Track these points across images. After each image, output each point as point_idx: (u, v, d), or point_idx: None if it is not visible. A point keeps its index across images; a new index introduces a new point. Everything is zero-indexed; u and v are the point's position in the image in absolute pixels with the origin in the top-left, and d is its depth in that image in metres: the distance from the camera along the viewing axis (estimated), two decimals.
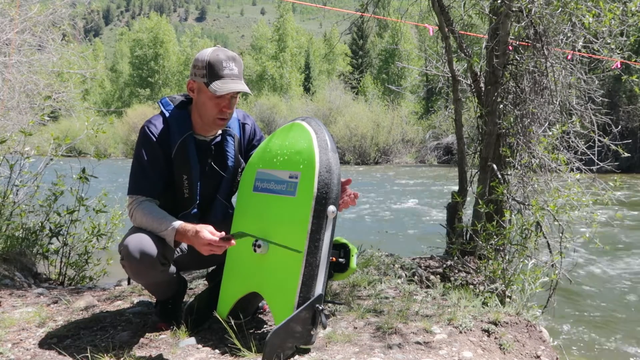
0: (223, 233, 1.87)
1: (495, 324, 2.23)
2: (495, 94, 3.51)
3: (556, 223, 3.39)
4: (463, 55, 3.74)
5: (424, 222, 9.15)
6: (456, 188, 3.79)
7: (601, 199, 3.24)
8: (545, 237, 3.41)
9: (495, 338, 2.12)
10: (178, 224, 1.94)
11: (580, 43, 3.39)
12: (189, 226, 1.90)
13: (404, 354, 1.89)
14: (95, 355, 1.87)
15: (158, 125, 2.10)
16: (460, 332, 2.11)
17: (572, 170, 3.44)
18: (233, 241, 1.84)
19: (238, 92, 2.07)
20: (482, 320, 2.26)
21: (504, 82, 3.55)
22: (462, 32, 4.02)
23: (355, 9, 4.73)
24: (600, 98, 3.88)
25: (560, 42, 3.48)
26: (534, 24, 3.31)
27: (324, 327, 1.92)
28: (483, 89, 3.66)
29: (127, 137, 37.09)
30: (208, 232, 1.85)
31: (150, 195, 2.07)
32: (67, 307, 2.60)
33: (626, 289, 5.17)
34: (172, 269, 2.09)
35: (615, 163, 4.08)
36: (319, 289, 1.90)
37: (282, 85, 49.42)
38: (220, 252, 1.89)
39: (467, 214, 3.84)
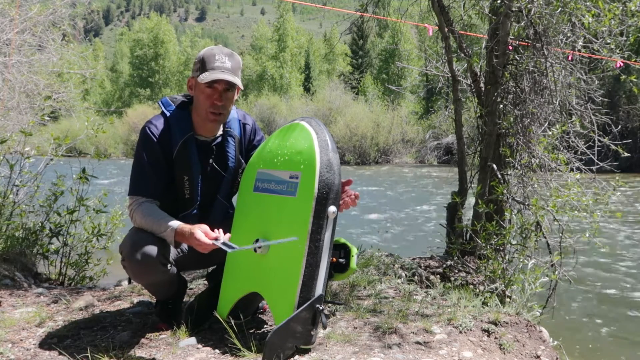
0: (220, 231, 1.87)
1: (495, 324, 2.23)
2: (495, 94, 3.51)
3: (556, 223, 3.39)
4: (463, 55, 3.74)
5: (424, 222, 9.15)
6: (456, 188, 3.79)
7: (601, 198, 3.24)
8: (545, 237, 3.41)
9: (495, 338, 2.12)
10: (177, 224, 1.94)
11: (580, 43, 3.39)
12: (186, 227, 1.91)
13: (403, 353, 1.89)
14: (95, 355, 1.87)
15: (159, 126, 2.10)
16: (460, 332, 2.11)
17: (572, 170, 3.44)
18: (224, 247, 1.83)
19: (231, 86, 2.07)
20: (482, 320, 2.26)
21: (504, 82, 3.55)
22: (462, 32, 4.02)
23: (355, 9, 4.73)
24: (600, 98, 3.89)
25: (560, 42, 3.48)
26: (533, 24, 3.31)
27: (324, 327, 1.92)
28: (483, 89, 3.66)
29: (127, 137, 37.06)
30: (202, 232, 1.85)
31: (150, 196, 2.07)
32: (67, 307, 2.60)
33: (626, 288, 5.17)
34: (173, 269, 2.09)
35: (615, 163, 4.08)
36: (319, 289, 1.90)
37: (282, 85, 49.40)
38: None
39: (467, 214, 3.84)
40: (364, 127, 29.82)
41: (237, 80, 2.06)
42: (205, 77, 2.02)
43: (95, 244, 3.95)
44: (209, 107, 2.07)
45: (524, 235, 3.19)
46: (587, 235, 3.15)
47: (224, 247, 1.80)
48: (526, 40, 3.57)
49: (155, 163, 2.08)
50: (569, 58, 3.67)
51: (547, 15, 3.24)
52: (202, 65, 2.05)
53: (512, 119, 3.59)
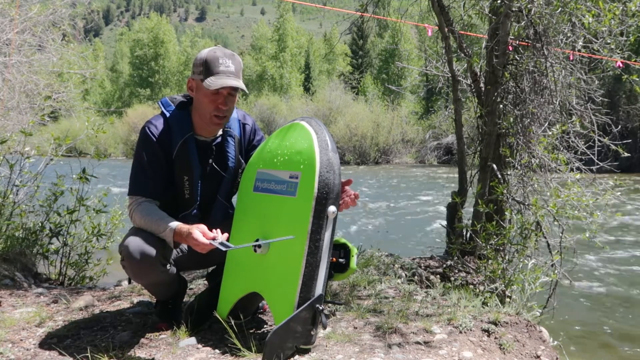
0: (218, 231, 1.87)
1: (495, 324, 2.23)
2: (495, 94, 3.51)
3: (556, 223, 3.39)
4: (463, 55, 3.75)
5: (423, 222, 9.15)
6: (456, 188, 3.79)
7: (601, 199, 3.24)
8: (545, 237, 3.41)
9: (495, 338, 2.12)
10: (175, 224, 1.94)
11: (580, 43, 3.40)
12: (184, 227, 1.90)
13: (404, 353, 1.89)
14: (95, 355, 1.87)
15: (159, 126, 2.10)
16: (460, 332, 2.11)
17: (572, 170, 3.44)
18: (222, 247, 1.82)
19: (235, 89, 2.07)
20: (482, 320, 2.26)
21: (504, 82, 3.56)
22: (462, 32, 4.02)
23: (355, 9, 4.73)
24: (600, 98, 3.89)
25: (560, 42, 3.48)
26: (533, 24, 3.31)
27: (324, 327, 1.92)
28: (483, 89, 3.66)
29: (127, 137, 37.04)
30: (199, 232, 1.84)
31: (150, 196, 2.07)
32: (67, 307, 2.60)
33: (626, 288, 5.17)
34: (172, 269, 2.09)
35: (615, 163, 4.09)
36: (319, 289, 1.90)
37: (282, 85, 49.40)
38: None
39: (468, 214, 3.84)
40: (364, 127, 29.83)
41: (243, 85, 2.06)
42: (212, 83, 2.00)
43: (95, 244, 3.95)
44: (214, 111, 2.06)
45: (524, 235, 3.19)
46: (587, 235, 3.15)
47: (220, 247, 1.79)
48: (526, 40, 3.57)
49: (155, 163, 2.08)
50: (570, 58, 3.67)
51: (547, 15, 3.24)
52: (206, 68, 2.03)
53: (512, 119, 3.59)
